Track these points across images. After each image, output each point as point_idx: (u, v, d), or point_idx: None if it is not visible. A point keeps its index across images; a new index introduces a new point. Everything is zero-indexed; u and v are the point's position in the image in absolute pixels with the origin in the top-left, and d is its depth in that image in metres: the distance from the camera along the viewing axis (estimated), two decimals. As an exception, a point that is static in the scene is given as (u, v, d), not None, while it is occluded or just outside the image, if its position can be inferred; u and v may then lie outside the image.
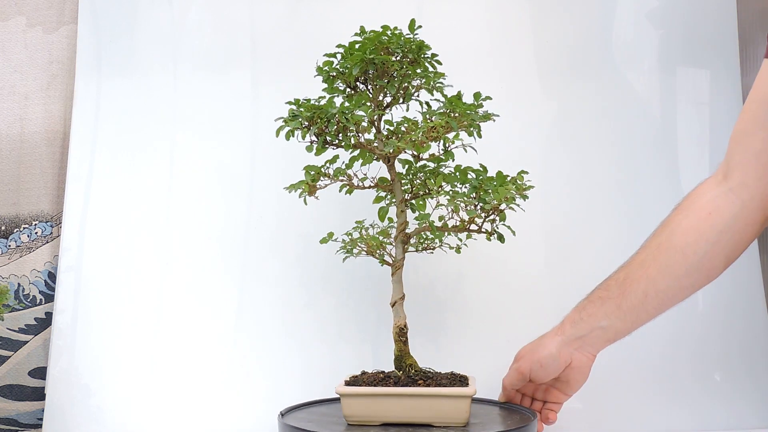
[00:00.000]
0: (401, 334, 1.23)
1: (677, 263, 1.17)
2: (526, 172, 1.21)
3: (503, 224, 1.20)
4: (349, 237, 1.26)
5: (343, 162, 1.24)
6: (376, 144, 1.22)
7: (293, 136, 1.19)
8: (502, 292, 1.55)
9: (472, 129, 1.19)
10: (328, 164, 1.24)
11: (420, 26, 1.23)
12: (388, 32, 1.20)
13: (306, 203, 1.24)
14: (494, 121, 1.20)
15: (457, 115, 1.18)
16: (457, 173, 1.21)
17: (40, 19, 1.60)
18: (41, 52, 1.60)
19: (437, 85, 1.23)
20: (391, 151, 1.19)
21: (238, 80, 1.59)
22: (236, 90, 1.59)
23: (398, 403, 1.13)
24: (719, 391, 1.53)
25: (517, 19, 1.63)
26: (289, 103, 1.21)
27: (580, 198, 1.59)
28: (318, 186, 1.23)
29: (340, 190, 1.26)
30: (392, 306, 1.24)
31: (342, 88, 1.24)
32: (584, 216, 1.58)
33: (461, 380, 1.19)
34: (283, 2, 1.61)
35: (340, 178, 1.23)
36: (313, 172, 1.22)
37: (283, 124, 1.19)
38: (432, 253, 1.29)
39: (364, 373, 1.25)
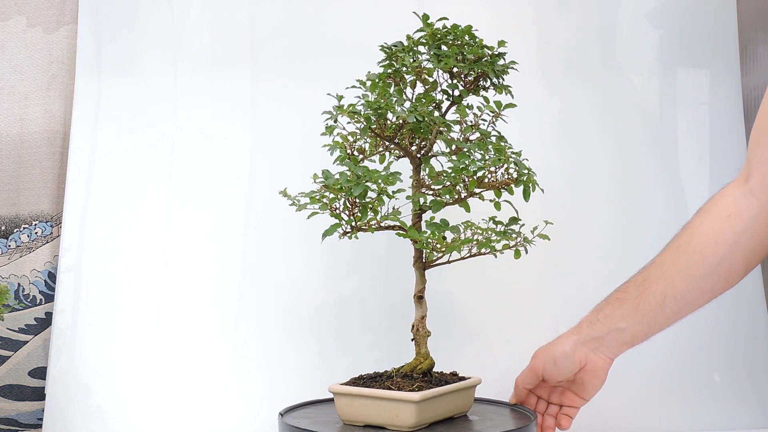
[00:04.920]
0: (412, 334, 1.21)
1: (696, 265, 1.15)
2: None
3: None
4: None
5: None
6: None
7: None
8: (501, 292, 1.55)
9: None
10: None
11: (446, 18, 1.25)
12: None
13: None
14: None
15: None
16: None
17: (40, 19, 1.60)
18: (41, 52, 1.60)
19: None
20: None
21: (238, 80, 1.59)
22: (236, 90, 1.59)
23: None
24: (719, 391, 1.53)
25: (518, 19, 1.63)
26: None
27: (581, 197, 1.59)
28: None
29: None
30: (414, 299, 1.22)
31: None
32: (584, 215, 1.58)
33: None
34: (283, 2, 1.61)
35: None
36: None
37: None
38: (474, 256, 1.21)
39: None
